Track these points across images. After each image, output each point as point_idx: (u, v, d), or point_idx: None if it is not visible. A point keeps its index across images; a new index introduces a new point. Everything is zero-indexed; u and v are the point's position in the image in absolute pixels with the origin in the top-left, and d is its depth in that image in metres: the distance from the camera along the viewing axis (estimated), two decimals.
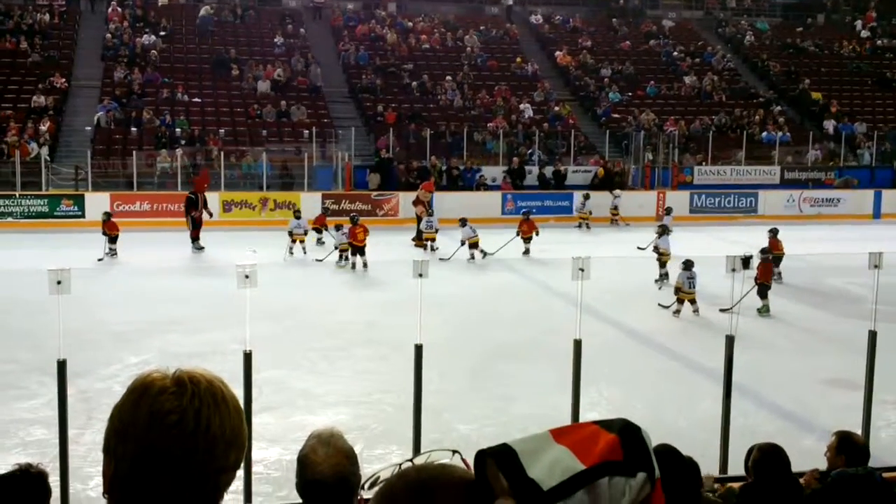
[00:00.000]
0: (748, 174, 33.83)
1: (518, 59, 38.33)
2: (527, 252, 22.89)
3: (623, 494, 1.48)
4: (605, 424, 1.57)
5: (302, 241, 22.44)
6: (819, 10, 46.91)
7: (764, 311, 16.85)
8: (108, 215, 21.99)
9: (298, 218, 22.81)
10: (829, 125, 37.26)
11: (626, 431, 1.54)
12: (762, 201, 32.41)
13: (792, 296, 18.41)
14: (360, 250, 20.74)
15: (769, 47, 42.73)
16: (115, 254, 21.29)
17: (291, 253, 22.18)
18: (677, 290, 16.98)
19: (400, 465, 1.64)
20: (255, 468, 8.45)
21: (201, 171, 27.87)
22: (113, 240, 21.40)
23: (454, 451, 1.74)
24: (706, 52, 41.04)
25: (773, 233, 20.82)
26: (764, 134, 35.55)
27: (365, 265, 20.72)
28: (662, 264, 19.66)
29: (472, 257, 22.00)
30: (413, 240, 24.50)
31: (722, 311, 16.11)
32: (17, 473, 4.22)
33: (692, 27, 44.29)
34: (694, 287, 16.79)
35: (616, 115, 36.00)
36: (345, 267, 21.07)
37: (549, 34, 41.27)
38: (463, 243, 22.07)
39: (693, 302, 16.82)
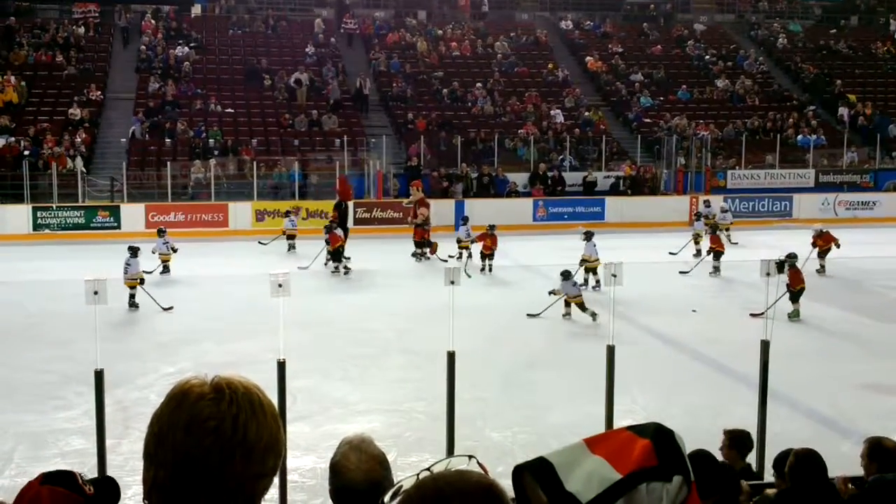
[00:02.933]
0: (782, 178, 33.52)
1: (550, 66, 38.28)
2: (486, 269, 21.09)
3: (660, 500, 1.48)
4: (638, 430, 1.57)
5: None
6: (853, 12, 46.43)
7: (794, 315, 16.64)
8: None
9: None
10: (844, 112, 37.20)
11: (659, 435, 1.54)
12: (796, 205, 32.13)
13: (828, 300, 18.22)
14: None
15: (802, 50, 42.37)
16: None
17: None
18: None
19: (418, 474, 1.64)
20: (289, 476, 8.49)
21: (341, 179, 27.00)
22: None
23: (470, 457, 1.75)
24: (738, 55, 40.75)
25: (713, 229, 20.82)
26: (800, 137, 35.24)
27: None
28: (588, 270, 19.13)
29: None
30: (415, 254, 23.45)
31: (753, 315, 16.03)
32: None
33: (724, 30, 43.98)
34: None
35: (647, 120, 35.84)
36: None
37: (580, 40, 41.17)
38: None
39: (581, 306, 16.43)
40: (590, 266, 19.14)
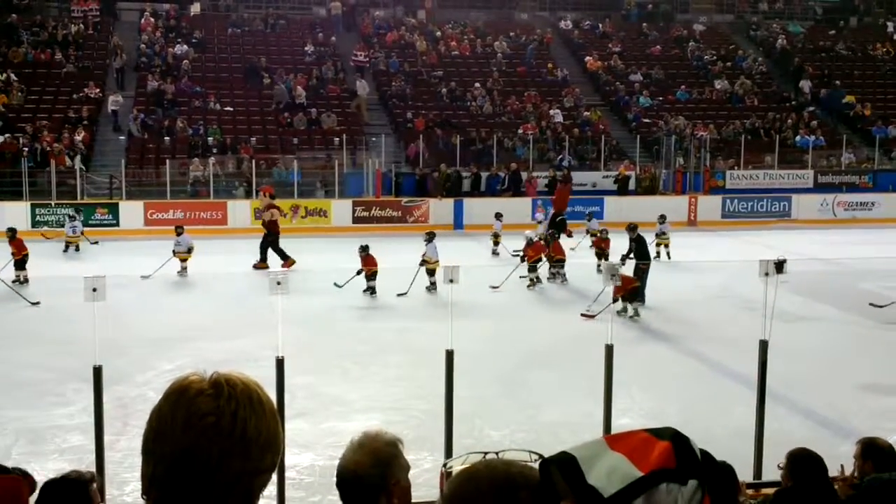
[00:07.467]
0: (781, 178, 33.52)
1: (549, 65, 38.28)
2: (369, 290, 18.47)
3: (675, 502, 1.50)
4: (656, 432, 1.59)
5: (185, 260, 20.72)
6: (852, 13, 46.45)
7: (624, 312, 16.30)
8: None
9: (179, 234, 20.97)
10: (805, 85, 38.30)
11: (678, 439, 1.57)
12: (795, 205, 32.14)
13: (826, 300, 18.24)
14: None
15: (802, 50, 42.37)
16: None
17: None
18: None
19: (486, 454, 1.69)
20: (287, 473, 8.49)
21: (558, 186, 25.90)
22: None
23: (539, 456, 1.79)
24: (737, 55, 40.77)
25: (529, 241, 19.86)
26: (798, 137, 35.27)
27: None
28: (429, 272, 18.83)
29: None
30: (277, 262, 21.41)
31: (583, 315, 15.93)
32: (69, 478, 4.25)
33: (723, 31, 43.99)
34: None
35: (646, 120, 35.84)
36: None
37: (579, 40, 41.18)
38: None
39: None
40: (430, 267, 18.89)
